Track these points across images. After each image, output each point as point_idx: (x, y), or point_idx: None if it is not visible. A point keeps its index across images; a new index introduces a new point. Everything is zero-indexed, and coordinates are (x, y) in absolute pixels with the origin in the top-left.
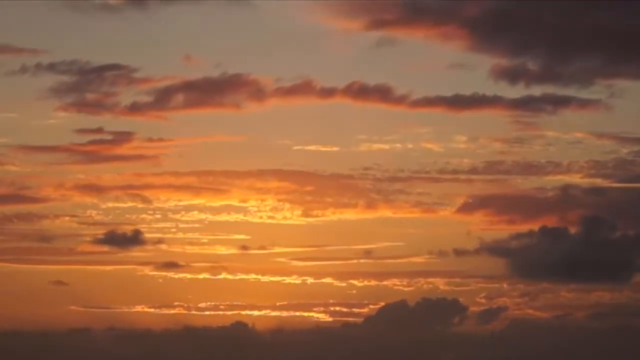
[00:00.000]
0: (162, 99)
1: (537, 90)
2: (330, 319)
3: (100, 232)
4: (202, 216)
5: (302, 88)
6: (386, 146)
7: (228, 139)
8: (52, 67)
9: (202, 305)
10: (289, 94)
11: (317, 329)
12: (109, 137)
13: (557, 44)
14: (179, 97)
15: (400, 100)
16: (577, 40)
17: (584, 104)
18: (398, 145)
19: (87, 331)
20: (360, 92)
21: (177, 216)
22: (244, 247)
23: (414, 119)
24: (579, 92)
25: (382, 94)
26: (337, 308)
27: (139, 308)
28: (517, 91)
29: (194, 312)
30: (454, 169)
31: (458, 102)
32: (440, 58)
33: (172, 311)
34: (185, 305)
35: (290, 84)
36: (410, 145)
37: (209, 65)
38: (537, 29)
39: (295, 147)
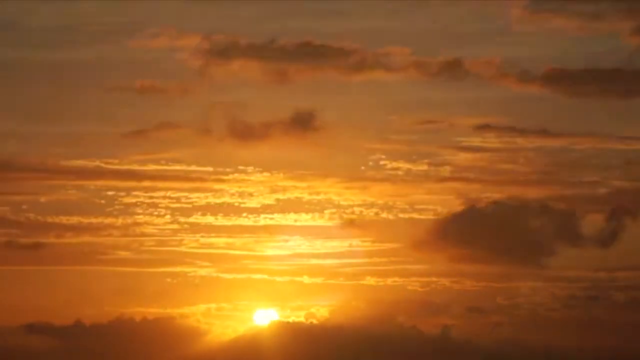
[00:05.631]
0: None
1: None
2: (340, 318)
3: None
4: (215, 216)
5: None
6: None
7: None
8: None
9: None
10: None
11: (325, 328)
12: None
13: None
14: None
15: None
16: None
17: None
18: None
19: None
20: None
21: (184, 216)
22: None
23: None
24: None
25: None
26: (347, 307)
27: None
28: None
29: (213, 311)
30: None
31: None
32: None
33: (184, 310)
34: (205, 306)
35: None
36: None
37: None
38: None
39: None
